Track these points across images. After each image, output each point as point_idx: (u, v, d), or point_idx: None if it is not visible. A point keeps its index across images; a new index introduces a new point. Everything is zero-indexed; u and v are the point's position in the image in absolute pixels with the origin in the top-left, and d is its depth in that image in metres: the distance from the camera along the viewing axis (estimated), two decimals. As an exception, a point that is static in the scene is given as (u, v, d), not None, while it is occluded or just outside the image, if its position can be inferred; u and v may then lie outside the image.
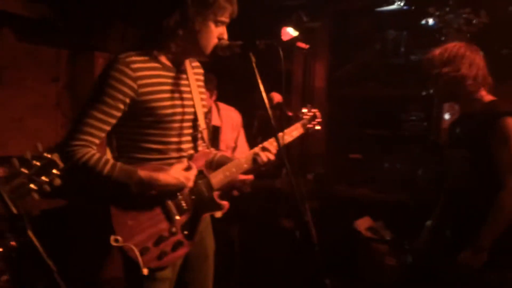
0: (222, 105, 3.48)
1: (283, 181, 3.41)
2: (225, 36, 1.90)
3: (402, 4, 4.17)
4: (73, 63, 5.06)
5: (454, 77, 2.37)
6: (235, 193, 3.41)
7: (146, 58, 1.81)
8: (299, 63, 5.35)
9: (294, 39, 4.96)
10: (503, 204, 2.23)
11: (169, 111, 1.85)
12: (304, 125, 2.57)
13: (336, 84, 5.25)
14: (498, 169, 2.26)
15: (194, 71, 2.03)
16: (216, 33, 1.86)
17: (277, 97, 2.90)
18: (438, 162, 3.66)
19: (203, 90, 2.08)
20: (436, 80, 2.46)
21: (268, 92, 2.96)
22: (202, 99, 2.03)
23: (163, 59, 1.86)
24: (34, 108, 4.78)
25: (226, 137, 3.42)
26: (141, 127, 1.82)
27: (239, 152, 3.43)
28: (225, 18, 1.86)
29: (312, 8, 4.74)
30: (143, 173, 1.74)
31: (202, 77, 2.11)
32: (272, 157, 2.16)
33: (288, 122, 2.83)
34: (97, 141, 1.75)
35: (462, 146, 2.43)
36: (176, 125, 1.88)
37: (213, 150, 2.16)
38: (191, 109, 1.95)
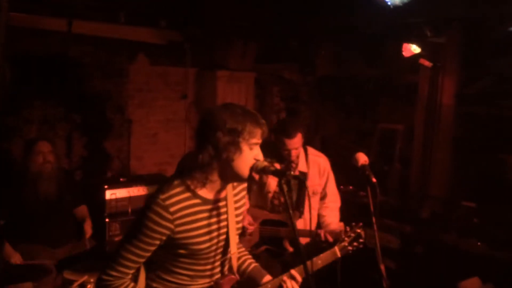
0: (310, 150, 3.35)
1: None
2: (260, 157, 1.87)
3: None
4: (198, 81, 5.45)
5: None
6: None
7: (187, 195, 1.83)
8: (425, 77, 4.90)
9: (417, 56, 4.58)
10: None
11: (205, 245, 1.88)
12: (343, 249, 2.44)
13: (466, 102, 4.69)
14: None
15: (234, 192, 2.04)
16: (252, 156, 1.84)
17: (362, 158, 2.72)
18: None
19: (240, 211, 2.07)
20: None
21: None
22: (237, 222, 2.04)
23: (203, 192, 1.87)
24: (165, 124, 5.33)
25: (313, 183, 3.22)
26: (174, 256, 1.89)
27: (329, 200, 3.33)
28: (257, 140, 1.85)
29: (436, 23, 4.26)
30: None
31: (242, 194, 2.09)
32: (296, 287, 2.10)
33: (373, 188, 2.69)
34: (131, 271, 1.86)
35: None
36: (209, 255, 1.94)
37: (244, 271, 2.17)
38: (224, 236, 1.99)
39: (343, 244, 2.46)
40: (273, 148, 3.13)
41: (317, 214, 3.31)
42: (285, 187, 1.81)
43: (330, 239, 2.99)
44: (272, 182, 3.17)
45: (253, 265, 2.18)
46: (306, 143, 3.32)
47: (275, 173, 1.82)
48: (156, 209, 1.77)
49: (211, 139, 1.79)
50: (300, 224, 3.18)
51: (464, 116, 4.73)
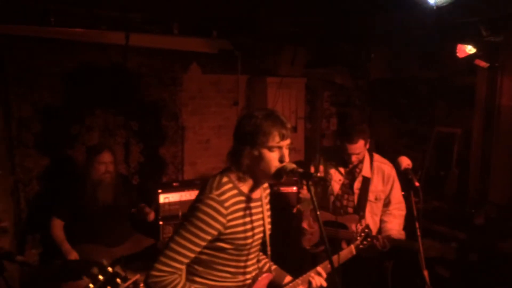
0: (376, 157, 3.35)
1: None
2: (286, 158, 1.92)
3: None
4: (249, 87, 5.55)
5: None
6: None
7: (235, 192, 1.93)
8: (483, 78, 4.69)
9: (474, 56, 4.40)
10: None
11: (248, 241, 1.97)
12: (357, 247, 2.69)
13: (529, 103, 4.43)
14: None
15: (265, 194, 2.13)
16: (273, 157, 1.89)
17: (405, 162, 2.69)
18: None
19: (269, 213, 2.17)
20: None
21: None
22: (269, 223, 2.13)
23: (245, 190, 1.97)
24: (218, 130, 5.47)
25: (376, 189, 3.27)
26: (219, 252, 1.94)
27: (393, 208, 3.31)
28: (276, 143, 1.88)
29: (493, 21, 4.07)
30: None
31: (269, 197, 2.20)
32: (324, 283, 2.16)
33: (416, 193, 2.66)
34: (183, 267, 1.90)
35: None
36: (250, 251, 2.03)
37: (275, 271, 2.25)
38: (261, 235, 2.06)
39: (356, 243, 2.74)
40: (338, 151, 3.27)
41: (379, 220, 3.36)
42: (312, 189, 1.85)
43: (388, 245, 3.02)
44: (335, 185, 3.28)
45: (273, 267, 2.25)
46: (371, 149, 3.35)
47: (302, 175, 1.89)
48: (212, 204, 1.85)
49: (232, 149, 1.95)
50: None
51: (526, 118, 4.47)
